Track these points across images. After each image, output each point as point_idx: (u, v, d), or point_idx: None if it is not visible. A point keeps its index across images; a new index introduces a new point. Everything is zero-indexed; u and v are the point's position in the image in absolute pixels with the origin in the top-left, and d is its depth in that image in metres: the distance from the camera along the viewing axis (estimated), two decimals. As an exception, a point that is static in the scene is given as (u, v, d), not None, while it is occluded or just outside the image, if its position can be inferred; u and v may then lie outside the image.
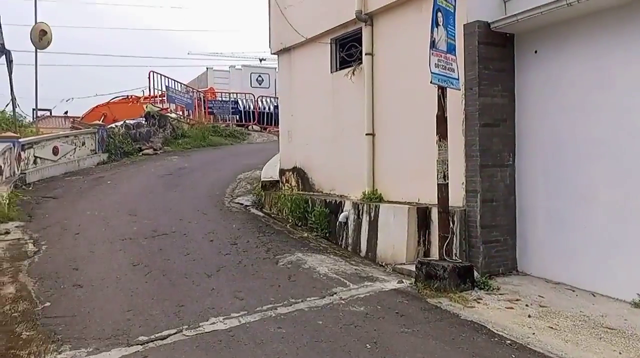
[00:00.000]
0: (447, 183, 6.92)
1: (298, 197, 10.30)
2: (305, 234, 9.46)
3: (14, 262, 7.78)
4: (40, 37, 15.80)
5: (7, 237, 9.05)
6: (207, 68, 28.83)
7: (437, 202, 7.10)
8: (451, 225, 7.14)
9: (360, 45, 9.40)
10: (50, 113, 31.71)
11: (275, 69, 31.88)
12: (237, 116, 22.40)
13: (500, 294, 6.46)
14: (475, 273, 6.86)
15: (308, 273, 7.35)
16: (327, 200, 9.58)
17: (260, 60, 32.86)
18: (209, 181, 13.66)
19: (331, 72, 10.22)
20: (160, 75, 19.25)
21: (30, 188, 13.07)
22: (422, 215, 7.83)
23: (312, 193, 10.59)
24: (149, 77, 18.87)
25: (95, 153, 16.17)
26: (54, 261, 7.83)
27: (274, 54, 11.98)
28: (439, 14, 6.64)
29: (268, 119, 23.25)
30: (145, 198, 11.91)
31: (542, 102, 7.19)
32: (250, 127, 22.17)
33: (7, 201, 10.72)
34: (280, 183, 11.92)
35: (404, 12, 8.48)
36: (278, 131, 23.49)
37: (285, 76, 11.80)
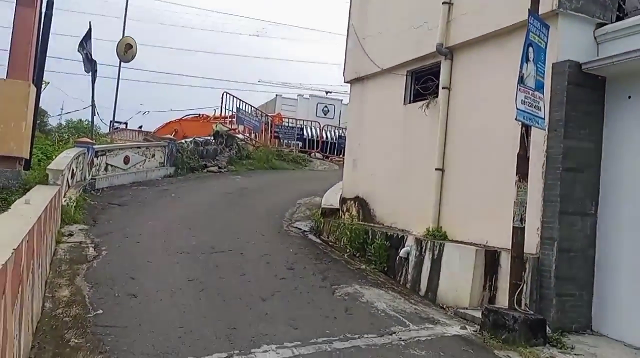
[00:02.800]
0: (524, 227, 6.33)
1: (358, 227, 9.86)
2: (363, 266, 8.98)
3: (73, 265, 7.69)
4: (126, 51, 16.28)
5: (69, 239, 9.04)
6: (276, 95, 29.15)
7: (507, 246, 6.54)
8: (522, 273, 6.52)
9: (437, 78, 8.99)
10: (126, 126, 32.76)
11: (341, 100, 32.10)
12: (301, 143, 22.36)
13: (575, 355, 5.76)
14: (547, 328, 6.19)
15: (365, 307, 6.87)
16: (389, 233, 9.09)
17: (327, 93, 33.06)
18: (269, 203, 13.44)
19: (404, 104, 9.85)
20: (233, 96, 19.48)
21: (99, 194, 13.23)
22: (491, 258, 7.22)
23: (372, 224, 10.14)
24: (222, 98, 19.11)
25: (163, 166, 16.34)
26: (111, 267, 7.70)
27: (347, 82, 11.74)
28: (530, 49, 6.16)
29: (331, 148, 23.08)
30: (206, 215, 11.78)
31: (634, 150, 6.53)
32: (313, 155, 22.01)
33: (75, 204, 10.81)
34: (341, 212, 11.53)
35: (487, 48, 8.03)
36: (340, 160, 23.47)
37: (356, 105, 11.51)
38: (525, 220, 6.29)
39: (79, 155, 13.08)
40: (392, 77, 10.18)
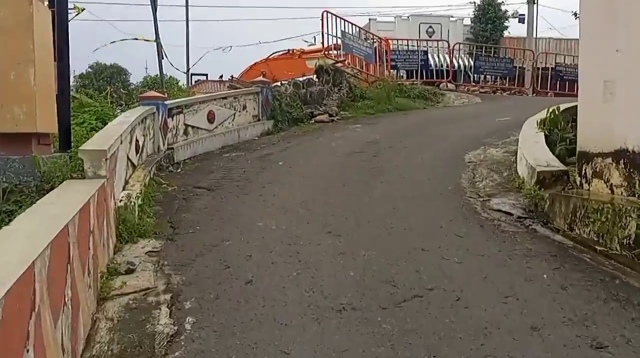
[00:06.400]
0: None
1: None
2: None
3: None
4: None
5: (126, 287, 4.45)
6: (369, 19, 23.18)
7: None
8: None
9: None
10: (207, 77, 28.44)
11: (449, 17, 25.63)
12: (423, 72, 16.57)
13: None
14: None
15: None
16: None
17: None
18: (424, 165, 8.39)
19: None
20: (336, 16, 13.99)
21: (179, 170, 8.70)
22: None
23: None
24: (323, 19, 13.68)
25: (259, 120, 11.55)
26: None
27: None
28: None
29: (460, 76, 17.30)
30: (341, 196, 6.94)
31: None
32: (443, 86, 16.29)
33: (141, 199, 6.27)
34: (579, 178, 6.29)
35: None
36: (476, 90, 17.69)
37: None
38: None
39: (147, 117, 8.58)
40: None
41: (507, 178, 7.47)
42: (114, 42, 16.97)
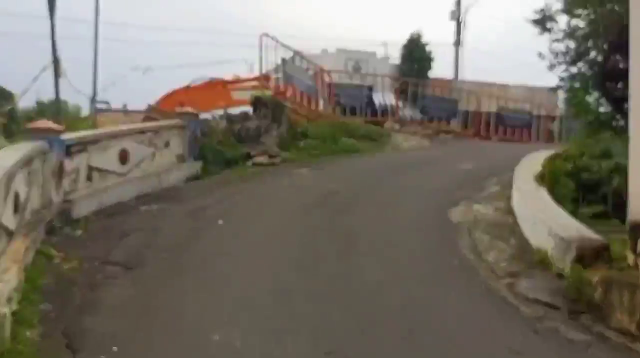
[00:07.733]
0: None
1: None
2: None
3: None
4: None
5: None
6: (294, 52, 21.53)
7: None
8: None
9: None
10: (109, 105, 25.21)
11: (375, 53, 24.77)
12: (368, 109, 14.99)
13: None
14: None
15: None
16: None
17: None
18: (406, 227, 6.66)
19: None
20: (276, 41, 12.05)
21: (80, 232, 6.27)
22: None
23: None
24: (261, 43, 11.68)
25: (185, 161, 9.30)
26: None
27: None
28: None
29: (404, 115, 15.97)
30: (320, 279, 4.97)
31: None
32: (388, 126, 14.71)
33: (16, 303, 3.87)
34: (633, 255, 4.89)
35: None
36: (420, 132, 16.31)
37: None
38: None
39: (33, 158, 6.16)
40: None
41: (518, 247, 5.95)
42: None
